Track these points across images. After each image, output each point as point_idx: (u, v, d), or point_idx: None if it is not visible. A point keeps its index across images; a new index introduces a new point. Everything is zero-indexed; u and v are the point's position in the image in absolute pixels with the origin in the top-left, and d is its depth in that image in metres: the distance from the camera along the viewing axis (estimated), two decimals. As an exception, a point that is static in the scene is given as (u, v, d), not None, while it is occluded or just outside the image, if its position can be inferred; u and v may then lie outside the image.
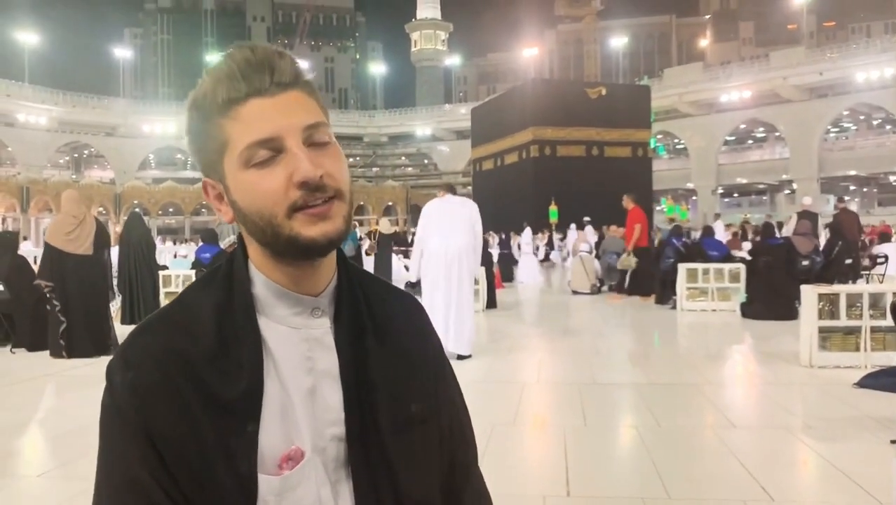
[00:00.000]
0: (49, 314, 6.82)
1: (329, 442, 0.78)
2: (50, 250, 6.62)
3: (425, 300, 6.18)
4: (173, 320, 0.78)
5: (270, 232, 0.74)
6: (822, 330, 5.65)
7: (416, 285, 6.81)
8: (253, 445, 0.73)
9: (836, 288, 5.85)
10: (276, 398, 0.75)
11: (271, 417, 0.75)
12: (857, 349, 5.57)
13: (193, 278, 9.56)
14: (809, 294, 5.71)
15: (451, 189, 6.70)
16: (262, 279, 0.79)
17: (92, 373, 5.98)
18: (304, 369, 0.78)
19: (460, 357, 6.19)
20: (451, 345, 6.07)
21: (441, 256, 6.24)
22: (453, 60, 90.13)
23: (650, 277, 11.28)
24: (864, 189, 51.92)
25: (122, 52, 70.72)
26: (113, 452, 0.74)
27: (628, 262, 11.54)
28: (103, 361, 6.16)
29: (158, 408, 0.72)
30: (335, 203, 0.75)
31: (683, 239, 11.12)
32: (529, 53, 70.33)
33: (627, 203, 11.53)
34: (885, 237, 11.47)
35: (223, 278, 0.80)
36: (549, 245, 24.69)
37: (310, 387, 0.78)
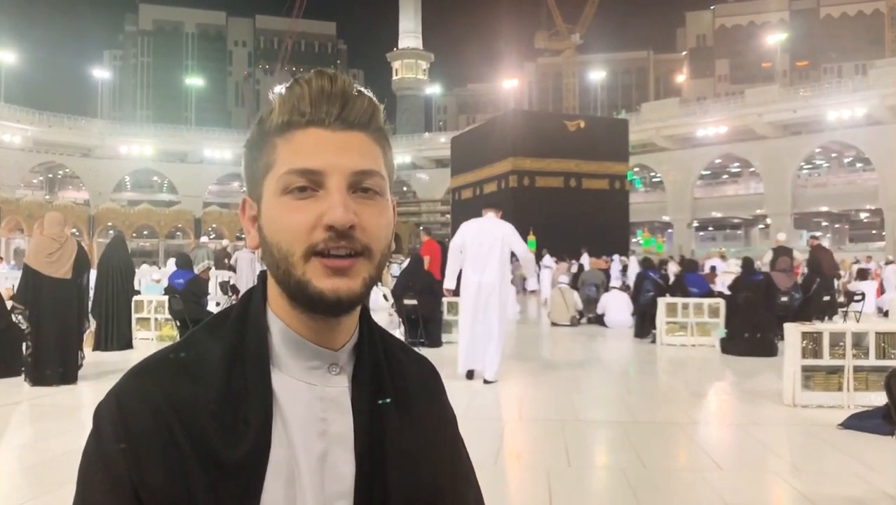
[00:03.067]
0: (16, 339, 6.62)
1: None
2: (27, 272, 6.43)
3: (462, 326, 6.79)
4: (178, 364, 0.69)
5: (283, 269, 0.68)
6: (805, 369, 5.60)
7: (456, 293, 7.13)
8: None
9: (820, 326, 5.82)
10: (282, 462, 0.67)
11: (275, 484, 0.66)
12: (840, 389, 5.53)
13: (166, 304, 9.41)
14: (793, 332, 5.67)
15: (494, 208, 6.95)
16: (279, 326, 0.71)
17: (58, 402, 5.76)
18: (316, 432, 0.69)
19: (486, 382, 6.55)
20: (487, 373, 6.57)
21: (475, 290, 6.61)
22: (434, 90, 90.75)
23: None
24: (836, 225, 52.86)
25: (101, 74, 70.45)
26: None
27: None
28: (68, 391, 5.92)
29: (151, 462, 0.63)
30: (359, 261, 0.68)
31: (661, 271, 11.13)
32: (509, 85, 71.15)
33: (423, 236, 11.93)
34: (862, 274, 11.57)
35: (236, 321, 0.72)
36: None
37: (320, 452, 0.69)
